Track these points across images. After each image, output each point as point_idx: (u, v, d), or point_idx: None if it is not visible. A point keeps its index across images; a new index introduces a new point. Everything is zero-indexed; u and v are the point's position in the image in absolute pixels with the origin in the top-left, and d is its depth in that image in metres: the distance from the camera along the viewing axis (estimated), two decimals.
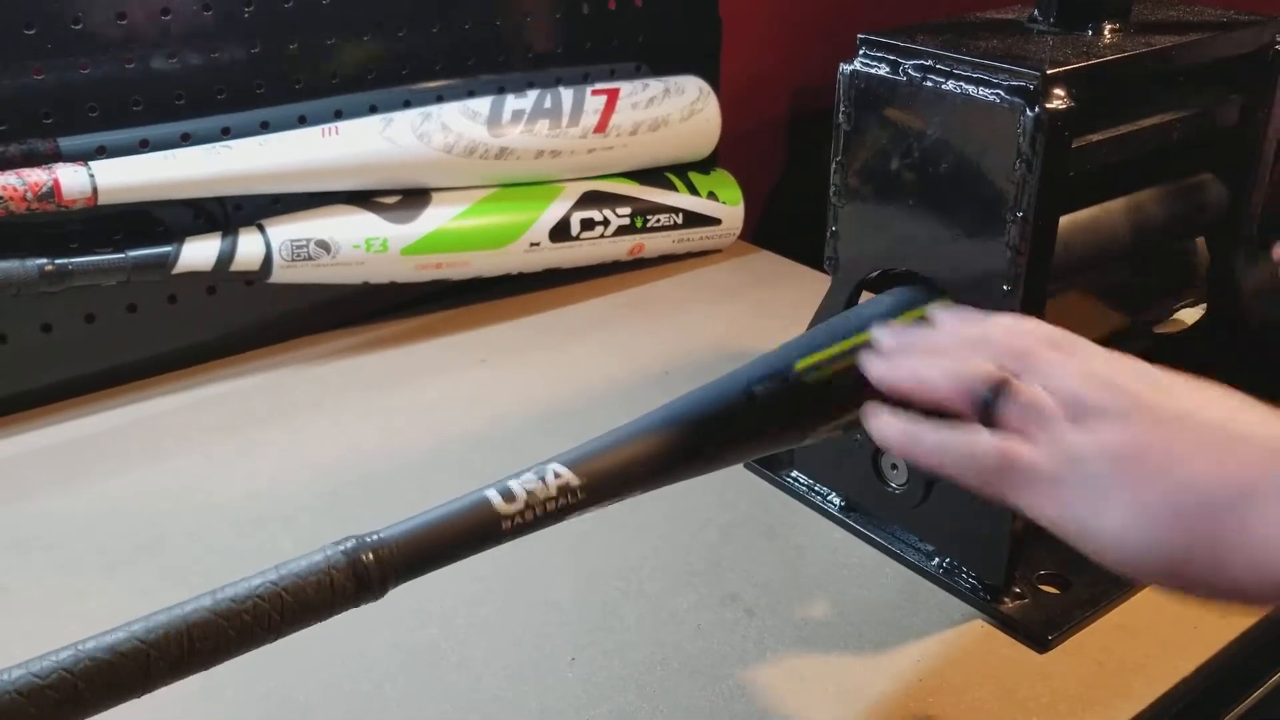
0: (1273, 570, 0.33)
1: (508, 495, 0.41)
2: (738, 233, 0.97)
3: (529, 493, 0.41)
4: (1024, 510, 0.39)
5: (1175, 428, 0.37)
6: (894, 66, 0.53)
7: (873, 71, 0.54)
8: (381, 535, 0.39)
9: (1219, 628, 0.55)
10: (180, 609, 0.34)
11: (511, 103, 0.84)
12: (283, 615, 0.34)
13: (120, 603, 0.57)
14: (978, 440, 0.40)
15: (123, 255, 0.70)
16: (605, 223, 0.88)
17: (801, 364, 0.48)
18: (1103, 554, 0.37)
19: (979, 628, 0.56)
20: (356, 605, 0.37)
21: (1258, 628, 0.55)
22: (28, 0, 0.67)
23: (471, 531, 0.40)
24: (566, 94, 0.86)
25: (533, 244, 0.85)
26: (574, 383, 0.78)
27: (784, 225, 1.16)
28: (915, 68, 0.52)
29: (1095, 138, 0.53)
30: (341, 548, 0.38)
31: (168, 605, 0.35)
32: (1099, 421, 0.38)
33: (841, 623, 0.56)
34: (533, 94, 0.85)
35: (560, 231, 0.86)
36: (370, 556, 0.38)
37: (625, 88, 0.89)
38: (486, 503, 0.40)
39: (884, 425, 0.44)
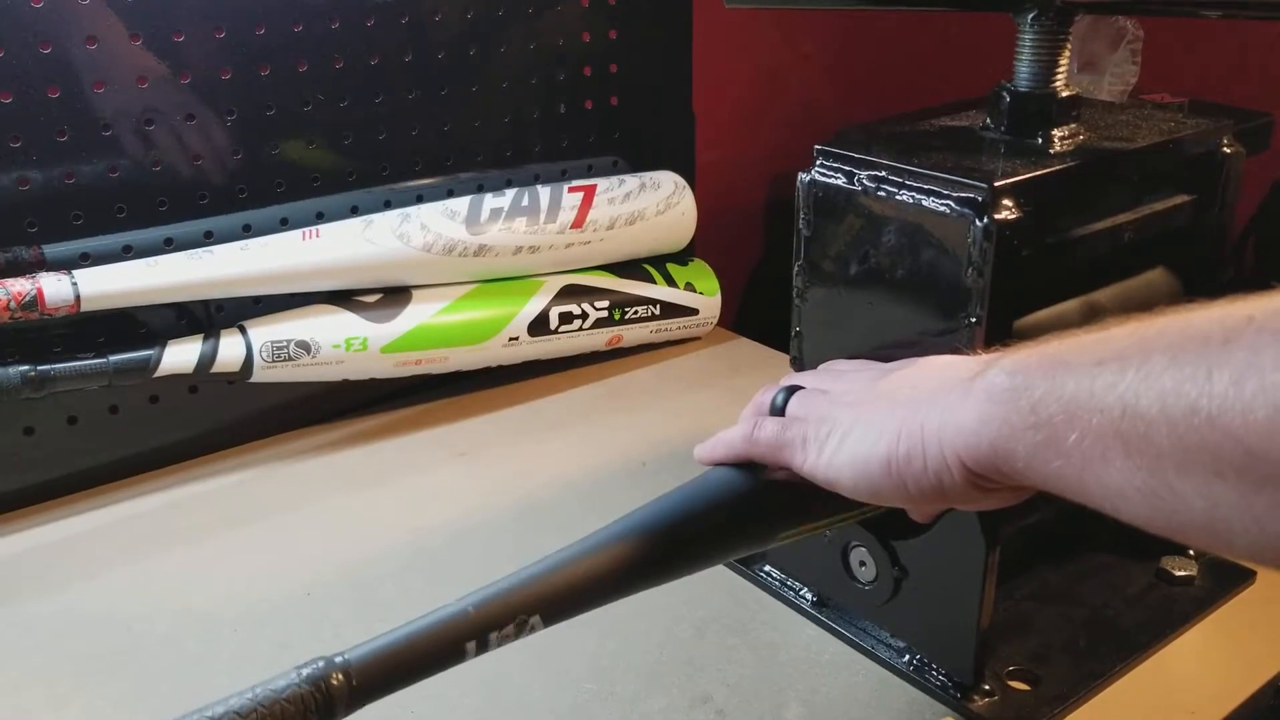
0: (953, 448, 0.42)
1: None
2: (715, 321, 0.99)
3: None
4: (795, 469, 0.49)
5: (892, 379, 0.48)
6: (849, 176, 0.55)
7: (829, 181, 0.56)
8: (346, 657, 0.39)
9: None
10: None
11: (490, 201, 0.85)
12: None
13: (92, 715, 0.57)
14: (762, 422, 0.50)
15: (104, 360, 0.71)
16: (584, 316, 0.89)
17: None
18: (840, 473, 0.46)
19: None
20: None
21: None
22: (14, 115, 0.69)
23: (436, 653, 0.41)
24: (544, 191, 0.88)
25: (511, 338, 0.86)
26: (552, 475, 0.79)
27: (761, 311, 1.18)
28: (870, 178, 0.54)
29: (1046, 243, 0.54)
30: (306, 671, 0.38)
31: None
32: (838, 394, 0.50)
33: None
34: (511, 192, 0.87)
35: (539, 325, 0.87)
36: (333, 680, 0.38)
37: (602, 184, 0.91)
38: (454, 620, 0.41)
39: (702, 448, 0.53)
